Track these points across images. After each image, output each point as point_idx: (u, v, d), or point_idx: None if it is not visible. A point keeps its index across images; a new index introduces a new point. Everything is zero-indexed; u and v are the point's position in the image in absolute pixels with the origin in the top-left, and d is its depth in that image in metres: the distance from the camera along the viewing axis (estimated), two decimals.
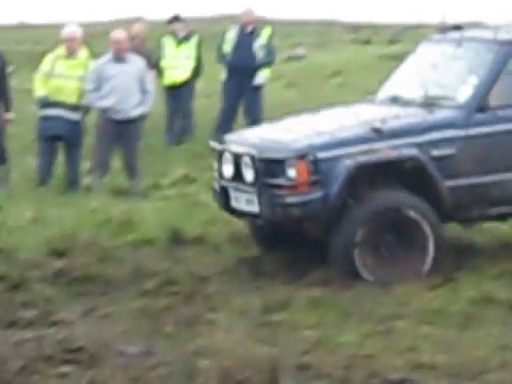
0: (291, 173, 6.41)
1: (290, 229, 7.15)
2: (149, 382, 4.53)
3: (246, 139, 7.25)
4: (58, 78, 9.60)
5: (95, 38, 13.41)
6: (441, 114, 6.94)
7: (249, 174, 6.74)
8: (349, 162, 6.38)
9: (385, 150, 6.57)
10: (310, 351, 4.99)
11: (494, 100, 6.88)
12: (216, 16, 27.73)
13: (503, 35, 7.30)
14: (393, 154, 6.59)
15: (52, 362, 4.86)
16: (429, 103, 7.06)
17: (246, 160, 6.75)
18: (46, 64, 9.78)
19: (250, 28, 12.81)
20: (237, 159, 6.90)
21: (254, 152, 6.72)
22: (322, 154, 6.44)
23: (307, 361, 4.76)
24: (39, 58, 10.55)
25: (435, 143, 6.66)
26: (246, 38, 12.77)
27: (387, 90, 7.92)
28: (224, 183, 7.14)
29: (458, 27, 8.02)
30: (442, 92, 7.29)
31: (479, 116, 6.82)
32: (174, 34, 12.51)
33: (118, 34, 10.04)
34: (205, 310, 6.15)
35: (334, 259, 6.61)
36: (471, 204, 6.71)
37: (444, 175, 6.58)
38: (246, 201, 6.85)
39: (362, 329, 5.48)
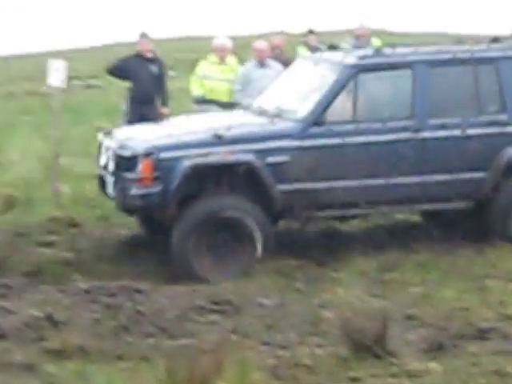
0: (138, 168, 7.06)
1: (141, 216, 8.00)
2: (281, 329, 5.39)
3: (117, 135, 7.93)
4: (212, 81, 10.95)
5: (242, 47, 14.50)
6: (280, 126, 7.50)
7: (111, 166, 7.52)
8: (186, 163, 7.00)
9: (222, 154, 7.15)
10: (415, 304, 5.85)
11: (331, 116, 7.39)
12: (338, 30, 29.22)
13: (348, 59, 7.80)
14: (229, 158, 7.16)
15: (202, 312, 5.82)
16: (276, 115, 7.60)
17: (110, 153, 7.55)
18: (200, 69, 11.19)
19: (363, 40, 13.36)
20: (107, 151, 7.70)
21: (114, 147, 7.51)
22: (164, 154, 7.09)
23: (413, 312, 5.61)
24: (195, 64, 11.87)
25: (271, 151, 7.18)
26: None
27: (259, 100, 8.51)
28: (100, 171, 7.96)
29: (332, 47, 8.85)
30: (289, 106, 7.75)
31: (315, 129, 7.33)
32: (307, 44, 13.42)
33: (260, 44, 11.31)
34: (330, 270, 6.96)
35: (173, 260, 7.22)
36: (301, 206, 7.13)
37: (277, 180, 7.08)
38: (111, 188, 7.59)
39: (459, 286, 6.31)
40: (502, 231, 7.46)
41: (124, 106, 11.19)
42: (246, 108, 8.64)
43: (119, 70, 11.20)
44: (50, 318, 5.47)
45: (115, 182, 7.42)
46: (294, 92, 8.04)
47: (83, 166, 10.52)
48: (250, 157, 7.07)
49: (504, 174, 7.45)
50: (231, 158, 7.09)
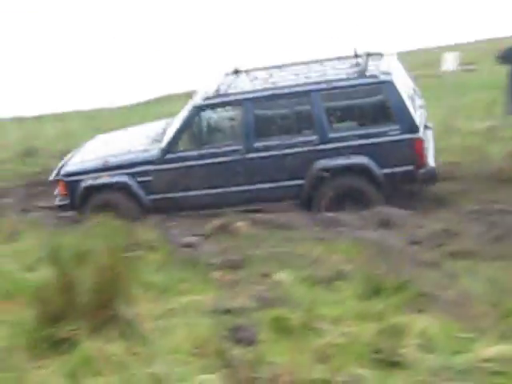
0: (59, 186, 10.43)
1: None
2: None
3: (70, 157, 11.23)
4: None
5: None
6: (148, 153, 10.13)
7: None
8: (83, 184, 10.10)
9: (105, 177, 10.14)
10: None
11: (181, 145, 10.00)
12: None
13: (196, 100, 10.19)
14: (109, 180, 10.09)
15: None
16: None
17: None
18: None
19: None
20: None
21: (60, 167, 10.73)
22: (71, 178, 10.27)
23: None
24: None
25: (140, 173, 10.01)
26: None
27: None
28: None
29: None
30: (165, 137, 10.31)
31: (169, 156, 9.91)
32: None
33: None
34: None
35: None
36: (165, 208, 9.77)
37: (146, 192, 9.94)
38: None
39: None
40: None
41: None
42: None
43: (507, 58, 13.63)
44: (447, 230, 7.59)
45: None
46: (172, 126, 10.65)
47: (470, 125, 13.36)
48: (124, 178, 10.11)
49: (316, 179, 9.45)
50: (110, 180, 10.15)
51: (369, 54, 10.39)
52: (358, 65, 9.99)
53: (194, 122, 10.15)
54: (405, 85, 9.92)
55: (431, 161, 9.44)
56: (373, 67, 9.83)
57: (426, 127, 9.94)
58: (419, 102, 10.38)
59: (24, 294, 5.55)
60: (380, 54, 10.53)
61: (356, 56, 10.30)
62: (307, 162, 9.56)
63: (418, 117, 9.56)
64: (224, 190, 9.87)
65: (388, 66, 9.93)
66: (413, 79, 10.82)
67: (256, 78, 10.76)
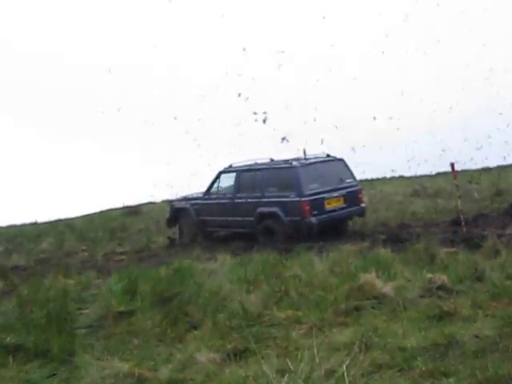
0: None
1: None
2: None
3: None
4: None
5: None
6: (199, 195, 19.06)
7: None
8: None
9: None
10: None
11: (213, 189, 18.47)
12: None
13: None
14: (183, 205, 19.18)
15: None
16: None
17: None
18: None
19: None
20: None
21: None
22: None
23: None
24: None
25: (196, 203, 18.72)
26: None
27: None
28: None
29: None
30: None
31: (207, 196, 18.50)
32: None
33: None
34: None
35: None
36: (208, 226, 18.43)
37: (197, 214, 18.48)
38: None
39: None
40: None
41: None
42: None
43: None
44: None
45: None
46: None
47: None
48: (186, 205, 19.38)
49: (258, 218, 16.85)
50: (184, 205, 19.61)
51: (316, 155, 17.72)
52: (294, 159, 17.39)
53: (216, 180, 18.80)
54: (315, 170, 16.70)
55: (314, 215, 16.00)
56: (300, 160, 17.07)
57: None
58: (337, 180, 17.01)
59: (508, 296, 7.24)
60: (327, 155, 17.86)
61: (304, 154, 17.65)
62: (255, 208, 16.93)
63: (311, 188, 16.22)
64: (224, 218, 18.11)
65: (313, 160, 17.13)
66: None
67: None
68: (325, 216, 16.11)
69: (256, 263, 10.82)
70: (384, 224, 17.76)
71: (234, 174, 17.84)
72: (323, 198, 16.30)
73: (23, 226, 37.48)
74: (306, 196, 15.84)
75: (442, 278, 8.16)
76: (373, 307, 7.43)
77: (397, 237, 13.74)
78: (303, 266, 10.05)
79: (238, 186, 17.52)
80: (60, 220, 36.93)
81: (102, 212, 37.70)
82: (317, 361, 4.68)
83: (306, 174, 16.30)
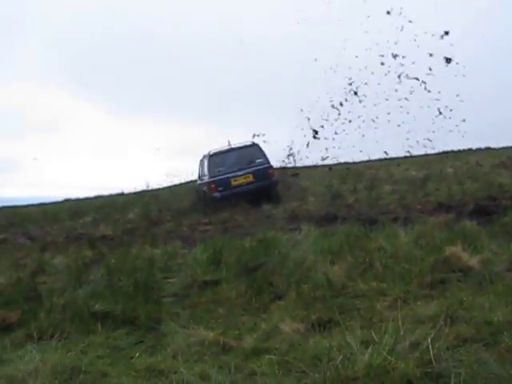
0: None
1: None
2: None
3: None
4: None
5: None
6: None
7: None
8: None
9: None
10: None
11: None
12: None
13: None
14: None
15: None
16: None
17: None
18: None
19: None
20: None
21: None
22: None
23: None
24: None
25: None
26: None
27: None
28: None
29: None
30: None
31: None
32: None
33: None
34: None
35: None
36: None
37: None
38: None
39: None
40: None
41: None
42: None
43: None
44: None
45: None
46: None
47: None
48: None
49: (201, 192, 26.14)
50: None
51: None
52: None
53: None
54: (224, 156, 24.29)
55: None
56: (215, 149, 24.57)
57: None
58: None
59: None
60: (252, 142, 25.20)
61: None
62: (200, 186, 24.80)
63: (218, 171, 23.42)
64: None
65: (224, 148, 24.44)
66: None
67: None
68: (229, 191, 22.48)
69: (340, 235, 10.82)
70: (470, 196, 17.47)
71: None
72: (228, 177, 22.79)
73: (110, 196, 38.36)
74: (212, 177, 23.08)
75: None
76: (458, 280, 7.35)
77: (483, 209, 13.50)
78: (388, 237, 10.00)
79: (200, 170, 26.45)
80: (146, 191, 37.61)
81: (186, 183, 38.15)
82: (401, 333, 4.68)
83: (214, 161, 23.64)
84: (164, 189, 37.73)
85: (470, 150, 44.00)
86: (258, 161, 23.18)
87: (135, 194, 37.07)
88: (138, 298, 7.70)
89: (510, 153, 32.11)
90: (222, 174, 22.84)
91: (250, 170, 22.79)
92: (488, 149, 41.37)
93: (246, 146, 24.22)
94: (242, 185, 22.63)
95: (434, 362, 4.33)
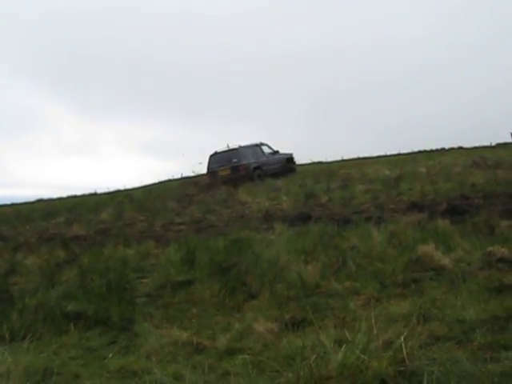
0: None
1: None
2: None
3: None
4: None
5: None
6: None
7: None
8: None
9: None
10: None
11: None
12: None
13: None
14: None
15: None
16: None
17: None
18: None
19: None
20: None
21: None
22: None
23: None
24: None
25: None
26: None
27: None
28: None
29: None
30: None
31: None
32: None
33: None
34: None
35: None
36: None
37: None
38: None
39: None
40: None
41: None
42: None
43: None
44: None
45: None
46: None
47: None
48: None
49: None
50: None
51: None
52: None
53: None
54: (218, 156, 33.55)
55: None
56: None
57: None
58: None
59: None
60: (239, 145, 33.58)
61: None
62: None
63: (212, 166, 33.71)
64: None
65: (219, 150, 33.74)
66: None
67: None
68: (216, 179, 31.96)
69: (313, 234, 10.85)
70: (443, 195, 17.57)
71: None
72: (216, 171, 32.60)
73: (83, 196, 38.14)
74: (208, 170, 33.40)
75: (502, 250, 8.05)
76: (431, 279, 7.40)
77: (456, 208, 13.58)
78: (361, 237, 10.04)
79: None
80: (119, 191, 37.44)
81: (160, 182, 38.02)
82: (374, 332, 4.69)
83: (211, 160, 33.28)
84: (138, 188, 37.63)
85: (443, 149, 44.35)
86: (234, 160, 32.68)
87: (108, 193, 36.93)
88: (110, 298, 7.67)
89: (483, 152, 32.38)
90: (214, 169, 32.98)
91: (228, 166, 32.56)
92: (461, 148, 41.70)
93: (230, 150, 33.49)
94: (224, 176, 32.21)
95: (407, 360, 4.34)
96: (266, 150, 34.86)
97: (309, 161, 43.89)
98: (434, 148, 45.40)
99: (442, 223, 10.57)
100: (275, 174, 32.91)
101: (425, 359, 4.48)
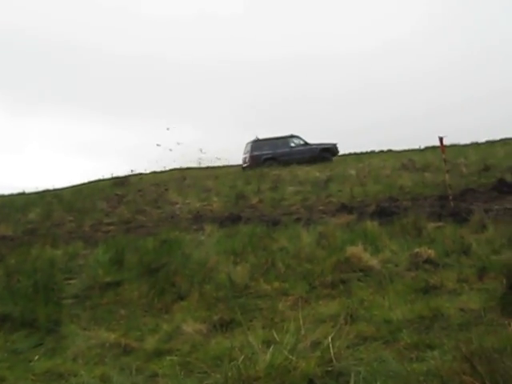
0: None
1: None
2: None
3: None
4: None
5: None
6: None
7: None
8: None
9: None
10: None
11: None
12: None
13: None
14: None
15: None
16: None
17: None
18: None
19: None
20: None
21: None
22: None
23: None
24: None
25: None
26: None
27: None
28: None
29: None
30: None
31: None
32: None
33: None
34: None
35: None
36: None
37: None
38: None
39: None
40: None
41: None
42: None
43: None
44: None
45: None
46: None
47: None
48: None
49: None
50: None
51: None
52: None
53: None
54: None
55: None
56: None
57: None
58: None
59: (493, 270, 6.97)
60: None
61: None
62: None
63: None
64: None
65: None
66: None
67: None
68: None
69: (243, 235, 10.84)
70: (372, 197, 17.78)
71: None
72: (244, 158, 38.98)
73: (11, 196, 37.32)
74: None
75: (429, 251, 8.18)
76: (359, 280, 7.46)
77: (384, 210, 13.76)
78: (290, 238, 10.08)
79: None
80: (48, 190, 36.75)
81: (90, 182, 37.50)
82: (302, 332, 4.70)
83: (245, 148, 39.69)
84: (67, 188, 37.04)
85: (372, 152, 44.88)
86: (248, 151, 38.95)
87: (37, 193, 36.25)
88: (37, 299, 7.50)
89: (411, 155, 32.85)
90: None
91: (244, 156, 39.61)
92: (390, 151, 42.26)
93: (252, 142, 39.06)
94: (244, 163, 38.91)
95: (334, 360, 4.35)
96: (295, 141, 39.60)
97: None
98: (363, 150, 45.91)
99: (371, 225, 10.68)
100: (300, 162, 35.82)
101: (352, 359, 4.50)
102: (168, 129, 42.73)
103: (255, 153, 38.49)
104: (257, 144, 39.02)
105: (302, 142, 39.45)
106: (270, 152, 38.39)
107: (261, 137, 39.52)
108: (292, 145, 39.45)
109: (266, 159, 37.86)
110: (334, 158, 37.83)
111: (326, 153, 38.88)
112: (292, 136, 39.75)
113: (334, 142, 39.82)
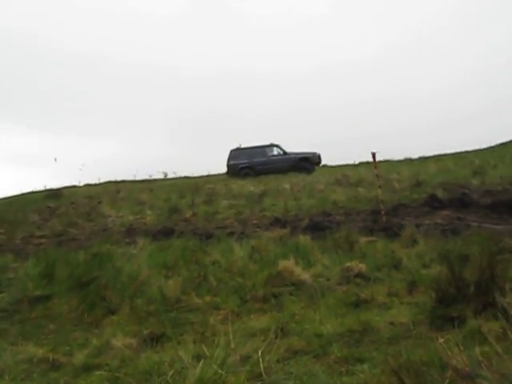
0: None
1: None
2: None
3: None
4: None
5: None
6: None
7: None
8: None
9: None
10: None
11: None
12: None
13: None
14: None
15: None
16: None
17: None
18: None
19: None
20: None
21: None
22: None
23: None
24: None
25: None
26: None
27: None
28: None
29: None
30: None
31: None
32: None
33: None
34: None
35: None
36: None
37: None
38: None
39: None
40: None
41: None
42: None
43: None
44: None
45: None
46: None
47: None
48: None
49: None
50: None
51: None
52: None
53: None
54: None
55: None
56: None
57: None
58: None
59: (423, 284, 7.11)
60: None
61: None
62: None
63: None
64: None
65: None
66: None
67: None
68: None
69: (175, 249, 10.79)
70: (306, 211, 17.90)
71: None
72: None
73: None
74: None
75: (360, 265, 8.27)
76: (291, 294, 7.49)
77: (317, 224, 13.85)
78: (223, 252, 10.06)
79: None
80: None
81: (22, 194, 36.89)
82: (232, 346, 4.68)
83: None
84: None
85: None
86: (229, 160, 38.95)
87: None
88: None
89: (345, 170, 33.30)
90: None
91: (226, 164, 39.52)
92: (324, 166, 42.71)
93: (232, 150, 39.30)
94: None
95: (264, 374, 4.35)
96: (274, 151, 39.24)
97: (174, 175, 43.76)
98: None
99: (303, 239, 10.72)
100: (279, 172, 36.04)
101: (282, 373, 4.50)
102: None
103: (232, 162, 38.67)
104: (235, 153, 39.10)
105: (281, 152, 39.04)
106: (246, 161, 38.29)
107: (243, 145, 39.67)
108: (270, 154, 39.01)
109: (242, 168, 37.99)
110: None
111: (304, 162, 38.08)
112: (272, 145, 39.37)
113: (314, 151, 39.28)
